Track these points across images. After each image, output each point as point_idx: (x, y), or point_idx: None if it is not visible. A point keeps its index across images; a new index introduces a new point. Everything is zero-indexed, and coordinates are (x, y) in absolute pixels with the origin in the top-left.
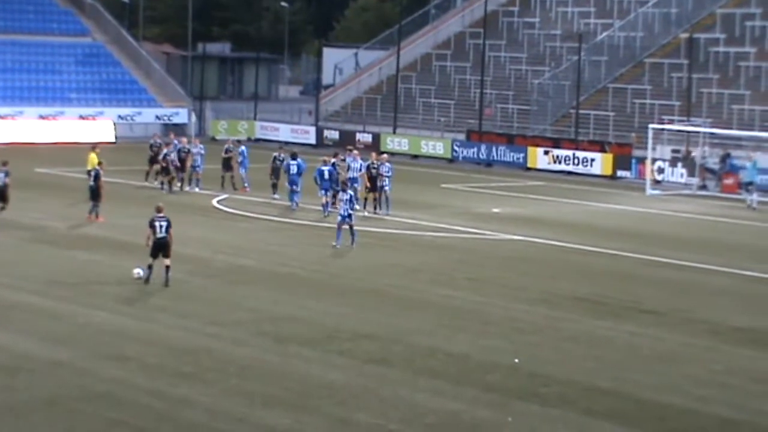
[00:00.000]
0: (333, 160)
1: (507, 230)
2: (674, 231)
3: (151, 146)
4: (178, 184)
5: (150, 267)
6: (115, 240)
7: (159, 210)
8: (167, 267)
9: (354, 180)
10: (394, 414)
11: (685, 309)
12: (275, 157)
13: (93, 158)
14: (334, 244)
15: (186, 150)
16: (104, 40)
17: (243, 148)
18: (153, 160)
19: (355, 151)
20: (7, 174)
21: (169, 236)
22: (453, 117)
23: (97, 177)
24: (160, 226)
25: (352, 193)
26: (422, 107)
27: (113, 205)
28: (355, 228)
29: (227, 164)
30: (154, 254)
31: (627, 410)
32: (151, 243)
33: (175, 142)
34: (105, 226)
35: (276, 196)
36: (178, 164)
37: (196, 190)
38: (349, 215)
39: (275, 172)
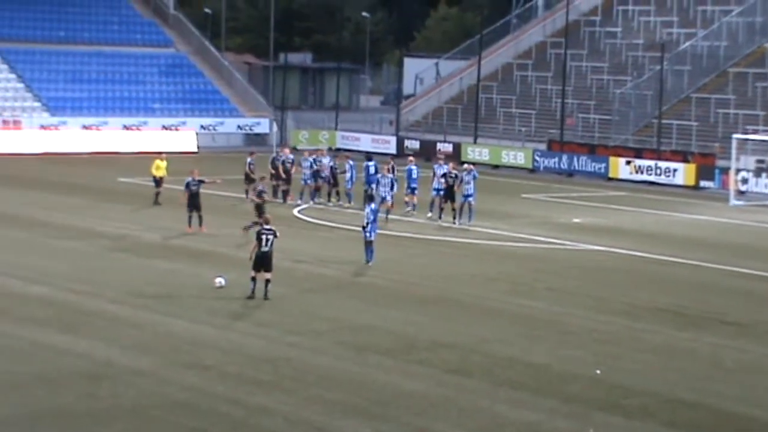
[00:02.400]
0: (371, 162)
1: (588, 240)
2: (758, 242)
3: (273, 160)
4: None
5: (253, 279)
6: (195, 249)
7: (267, 222)
8: (267, 281)
9: (439, 190)
10: (473, 424)
11: None
12: (332, 167)
13: (159, 165)
14: (366, 262)
15: (290, 161)
16: (187, 51)
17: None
18: (284, 177)
19: (440, 159)
20: (195, 181)
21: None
22: (534, 127)
23: (191, 185)
24: (266, 240)
25: (375, 206)
26: (503, 117)
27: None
28: (374, 246)
29: (278, 174)
30: (257, 268)
31: (710, 423)
32: (254, 256)
33: (281, 153)
34: (186, 236)
35: (331, 203)
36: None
37: (311, 202)
38: (370, 230)
39: (333, 179)
